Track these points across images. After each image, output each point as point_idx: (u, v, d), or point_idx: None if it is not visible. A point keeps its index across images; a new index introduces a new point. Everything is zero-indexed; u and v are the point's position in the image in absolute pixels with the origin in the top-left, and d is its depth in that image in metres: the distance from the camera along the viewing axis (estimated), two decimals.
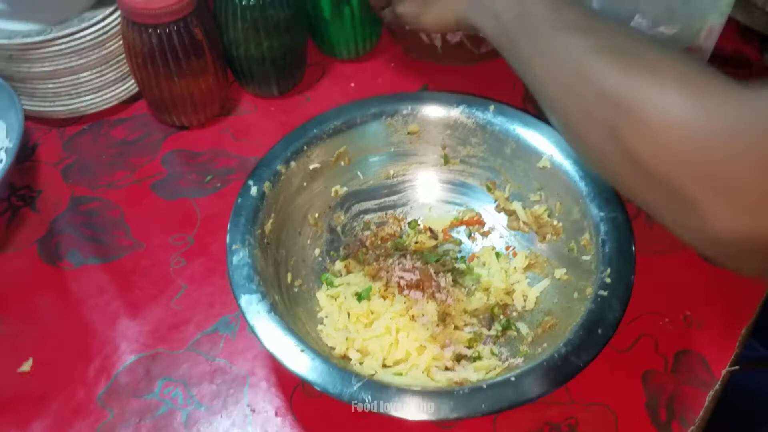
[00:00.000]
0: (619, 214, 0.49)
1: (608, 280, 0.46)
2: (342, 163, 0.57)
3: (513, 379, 0.41)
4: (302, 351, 0.43)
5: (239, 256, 0.48)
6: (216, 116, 0.68)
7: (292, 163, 0.53)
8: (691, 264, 0.55)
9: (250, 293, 0.46)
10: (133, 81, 0.66)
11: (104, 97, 0.65)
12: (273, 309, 0.45)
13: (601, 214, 0.49)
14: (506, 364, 0.48)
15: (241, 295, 0.46)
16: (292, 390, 0.50)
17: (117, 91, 0.66)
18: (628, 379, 0.50)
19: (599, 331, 0.43)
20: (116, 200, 0.62)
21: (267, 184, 0.51)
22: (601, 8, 0.53)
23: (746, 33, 0.71)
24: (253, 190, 0.51)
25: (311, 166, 0.55)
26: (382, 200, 0.59)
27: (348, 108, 0.56)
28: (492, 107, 0.55)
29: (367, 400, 0.40)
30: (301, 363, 0.42)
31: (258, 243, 0.49)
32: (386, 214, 0.59)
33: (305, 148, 0.54)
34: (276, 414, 0.49)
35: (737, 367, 0.49)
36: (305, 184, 0.55)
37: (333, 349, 0.49)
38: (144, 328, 0.54)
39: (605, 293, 0.45)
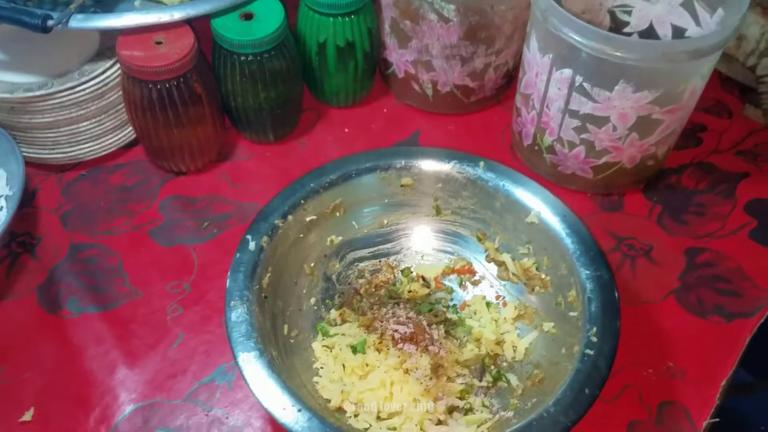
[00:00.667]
0: (604, 273, 0.51)
1: (594, 339, 0.47)
2: (337, 214, 0.58)
3: None
4: (299, 411, 0.44)
5: (237, 313, 0.49)
6: (213, 162, 0.69)
7: (289, 217, 0.55)
8: (673, 314, 0.57)
9: (248, 350, 0.47)
10: (131, 128, 0.67)
11: (103, 144, 0.66)
12: (270, 365, 0.47)
13: (587, 272, 0.51)
14: (497, 417, 0.50)
15: (240, 352, 0.47)
16: None
17: (115, 138, 0.67)
18: (613, 430, 0.51)
19: (586, 391, 0.45)
20: (114, 247, 0.63)
21: (265, 238, 0.53)
22: (585, 74, 0.55)
23: (727, 82, 0.74)
24: (252, 245, 0.52)
25: (307, 219, 0.56)
26: (375, 248, 0.61)
27: (343, 162, 0.58)
28: (482, 164, 0.57)
29: None
30: (299, 421, 0.44)
31: (256, 298, 0.50)
32: (380, 261, 0.61)
33: (302, 201, 0.56)
34: None
35: (717, 419, 0.51)
36: (301, 235, 0.56)
37: (328, 401, 0.51)
38: (142, 377, 0.55)
39: (592, 352, 0.47)
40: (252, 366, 0.46)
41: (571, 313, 0.51)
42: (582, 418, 0.44)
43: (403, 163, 0.58)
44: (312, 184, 0.56)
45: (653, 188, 0.66)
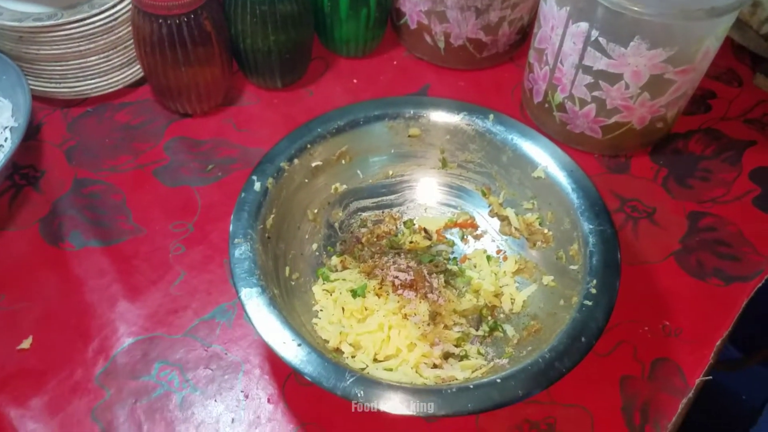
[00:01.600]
0: (608, 228, 0.51)
1: (594, 291, 0.48)
2: (343, 161, 0.58)
3: (498, 381, 0.43)
4: (299, 345, 0.45)
5: (241, 250, 0.49)
6: (219, 106, 0.69)
7: (295, 161, 0.55)
8: (672, 275, 0.58)
9: (251, 286, 0.47)
10: (138, 66, 0.66)
11: (110, 81, 0.66)
12: (272, 302, 0.47)
13: (591, 226, 0.51)
14: (491, 364, 0.50)
15: (242, 288, 0.47)
16: (285, 379, 0.52)
17: (123, 75, 0.67)
18: (605, 383, 0.52)
19: (582, 339, 0.45)
20: (118, 184, 0.63)
21: (270, 180, 0.53)
22: (602, 28, 0.54)
23: (740, 51, 0.73)
24: (257, 186, 0.52)
25: (313, 164, 0.56)
26: (379, 199, 0.61)
27: (351, 109, 0.57)
28: (492, 116, 0.57)
29: (359, 395, 0.42)
30: (298, 355, 0.44)
31: (259, 237, 0.51)
32: (383, 212, 0.61)
33: (308, 146, 0.55)
34: (268, 401, 0.51)
35: (711, 377, 0.51)
36: (306, 180, 0.56)
37: (327, 341, 0.51)
38: (143, 312, 0.55)
39: (590, 303, 0.47)
40: (254, 301, 0.47)
41: (572, 267, 0.51)
42: (576, 366, 0.44)
43: (412, 112, 0.58)
44: (319, 129, 0.56)
45: (660, 152, 0.66)
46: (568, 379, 0.45)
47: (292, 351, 0.45)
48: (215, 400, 0.51)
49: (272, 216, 0.52)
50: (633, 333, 0.55)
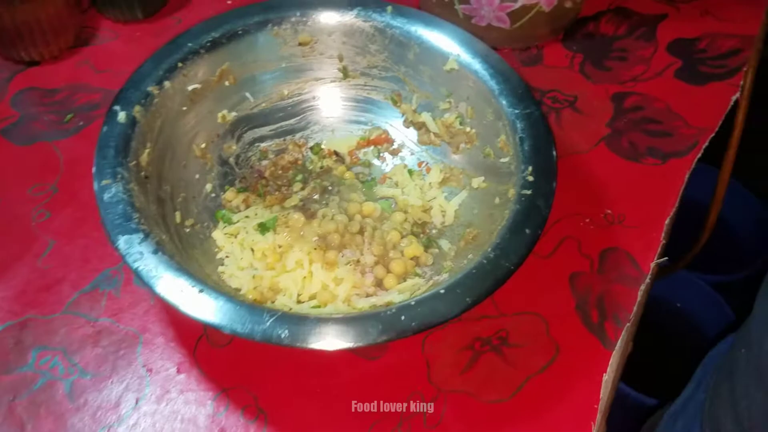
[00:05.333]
0: (535, 110, 0.45)
1: (531, 179, 0.42)
2: (226, 82, 0.49)
3: (443, 291, 0.37)
4: (201, 291, 0.37)
5: (111, 193, 0.40)
6: (71, 48, 0.58)
7: (166, 83, 0.46)
8: (605, 161, 0.53)
9: (130, 233, 0.39)
10: None
11: None
12: (160, 248, 0.38)
13: (516, 111, 0.45)
14: (431, 282, 0.44)
15: (119, 236, 0.38)
16: (195, 341, 0.44)
17: None
18: (554, 284, 0.47)
19: (527, 231, 0.40)
20: None
21: (137, 108, 0.44)
22: None
23: None
24: (121, 116, 0.43)
25: (190, 87, 0.47)
26: (278, 125, 0.53)
27: (226, 17, 0.49)
28: (390, 8, 0.50)
29: (283, 335, 0.35)
30: (202, 305, 0.36)
31: (134, 177, 0.42)
32: (285, 140, 0.53)
33: (180, 65, 0.46)
34: (178, 371, 0.43)
35: (666, 258, 0.48)
36: (185, 108, 0.47)
37: (239, 290, 0.44)
38: (8, 293, 0.45)
39: (528, 192, 0.42)
40: (136, 250, 0.38)
41: (503, 160, 0.46)
42: (524, 261, 0.39)
43: (298, 14, 0.50)
44: (190, 44, 0.47)
45: (572, 37, 0.62)
46: (514, 287, 0.40)
47: (193, 300, 0.36)
48: (112, 382, 0.42)
49: (147, 151, 0.43)
50: (575, 227, 0.50)
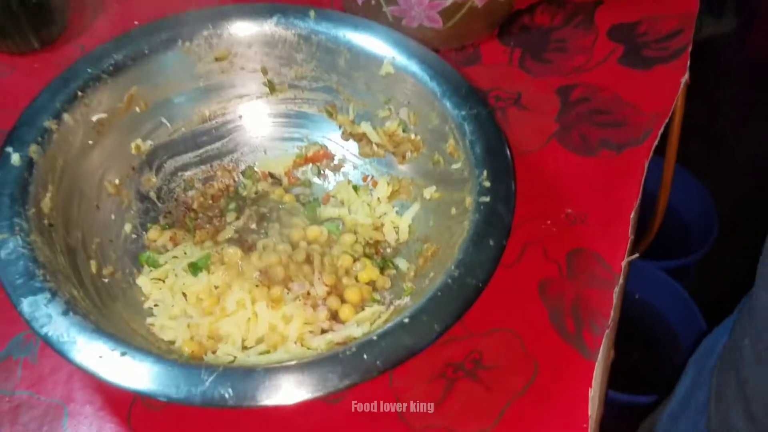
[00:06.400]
0: (482, 109, 0.42)
1: (487, 184, 0.39)
2: (137, 109, 0.44)
3: (407, 320, 0.33)
4: (123, 354, 0.31)
5: (9, 249, 0.34)
6: None
7: (66, 116, 0.40)
8: (559, 158, 0.50)
9: (34, 293, 0.33)
10: None
11: None
12: (71, 308, 0.33)
13: (462, 112, 0.42)
14: (392, 308, 0.40)
15: (22, 298, 0.33)
16: (129, 406, 0.38)
17: None
18: (523, 295, 0.44)
19: (490, 242, 0.36)
20: None
21: (33, 147, 0.38)
22: None
23: None
24: (15, 159, 0.37)
25: (94, 117, 0.41)
26: (202, 150, 0.48)
27: (129, 37, 0.43)
28: (312, 13, 0.46)
29: (227, 395, 0.30)
30: (127, 370, 0.31)
31: (35, 226, 0.36)
32: (211, 166, 0.48)
33: (80, 93, 0.41)
34: None
35: (636, 255, 0.45)
36: (91, 141, 0.41)
37: (172, 343, 0.38)
38: None
39: (487, 199, 0.38)
40: (42, 312, 0.32)
41: (454, 166, 0.42)
42: (492, 276, 0.35)
43: (210, 27, 0.45)
44: (90, 70, 0.42)
45: (507, 32, 0.59)
46: (482, 302, 0.36)
47: (114, 365, 0.31)
48: None
49: (49, 195, 0.37)
50: (536, 231, 0.46)
